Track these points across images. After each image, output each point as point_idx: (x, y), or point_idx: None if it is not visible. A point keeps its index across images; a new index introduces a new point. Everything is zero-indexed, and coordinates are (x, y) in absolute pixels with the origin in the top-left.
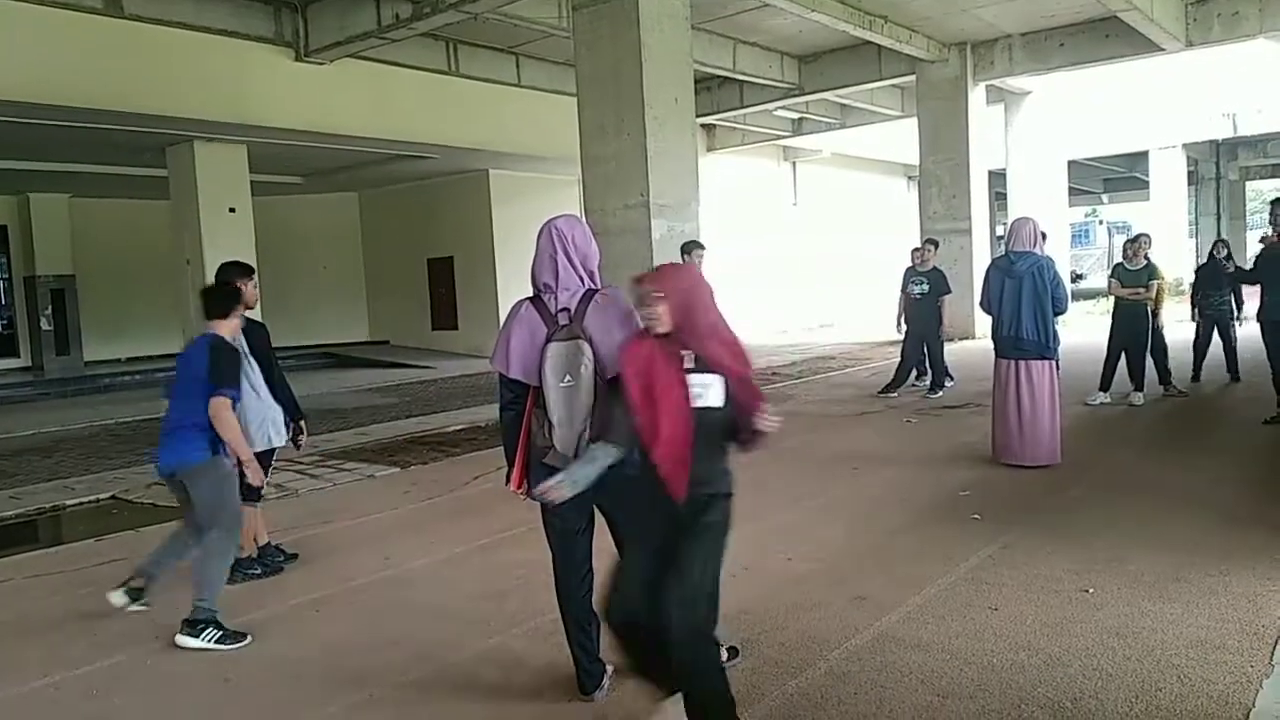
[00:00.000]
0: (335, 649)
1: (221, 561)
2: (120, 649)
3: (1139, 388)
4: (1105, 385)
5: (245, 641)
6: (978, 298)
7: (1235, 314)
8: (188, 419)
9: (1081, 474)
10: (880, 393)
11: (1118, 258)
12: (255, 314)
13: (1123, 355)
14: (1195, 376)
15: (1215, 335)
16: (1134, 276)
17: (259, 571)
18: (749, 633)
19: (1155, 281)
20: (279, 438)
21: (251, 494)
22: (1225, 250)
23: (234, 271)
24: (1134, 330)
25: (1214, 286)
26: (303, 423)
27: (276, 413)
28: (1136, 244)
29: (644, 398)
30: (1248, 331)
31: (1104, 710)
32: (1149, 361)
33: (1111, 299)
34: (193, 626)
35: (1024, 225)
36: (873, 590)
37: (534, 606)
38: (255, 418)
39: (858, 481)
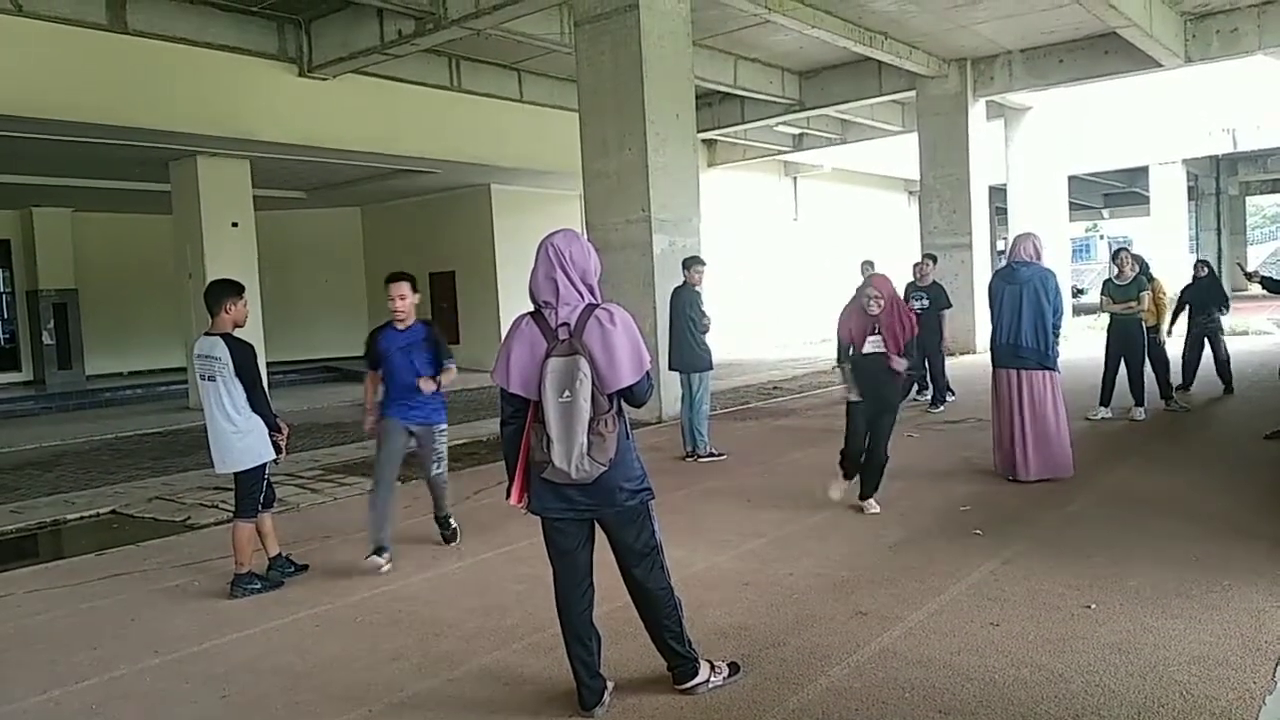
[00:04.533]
0: (334, 664)
1: None
2: (119, 664)
3: (1139, 402)
4: (1105, 400)
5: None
6: (979, 312)
7: (1221, 329)
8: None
9: (1083, 488)
10: None
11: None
12: (255, 329)
13: (1123, 369)
14: (1186, 385)
15: (1205, 349)
16: (1124, 291)
17: (259, 586)
18: (750, 648)
19: (1145, 293)
20: (268, 453)
21: (248, 508)
22: (1206, 269)
23: (224, 290)
24: (1129, 344)
25: (1200, 307)
26: (279, 440)
27: (262, 431)
28: (1119, 259)
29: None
30: (1249, 345)
31: None
32: (1150, 375)
33: (1107, 315)
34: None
35: (1025, 240)
36: (874, 605)
37: (534, 621)
38: (247, 436)
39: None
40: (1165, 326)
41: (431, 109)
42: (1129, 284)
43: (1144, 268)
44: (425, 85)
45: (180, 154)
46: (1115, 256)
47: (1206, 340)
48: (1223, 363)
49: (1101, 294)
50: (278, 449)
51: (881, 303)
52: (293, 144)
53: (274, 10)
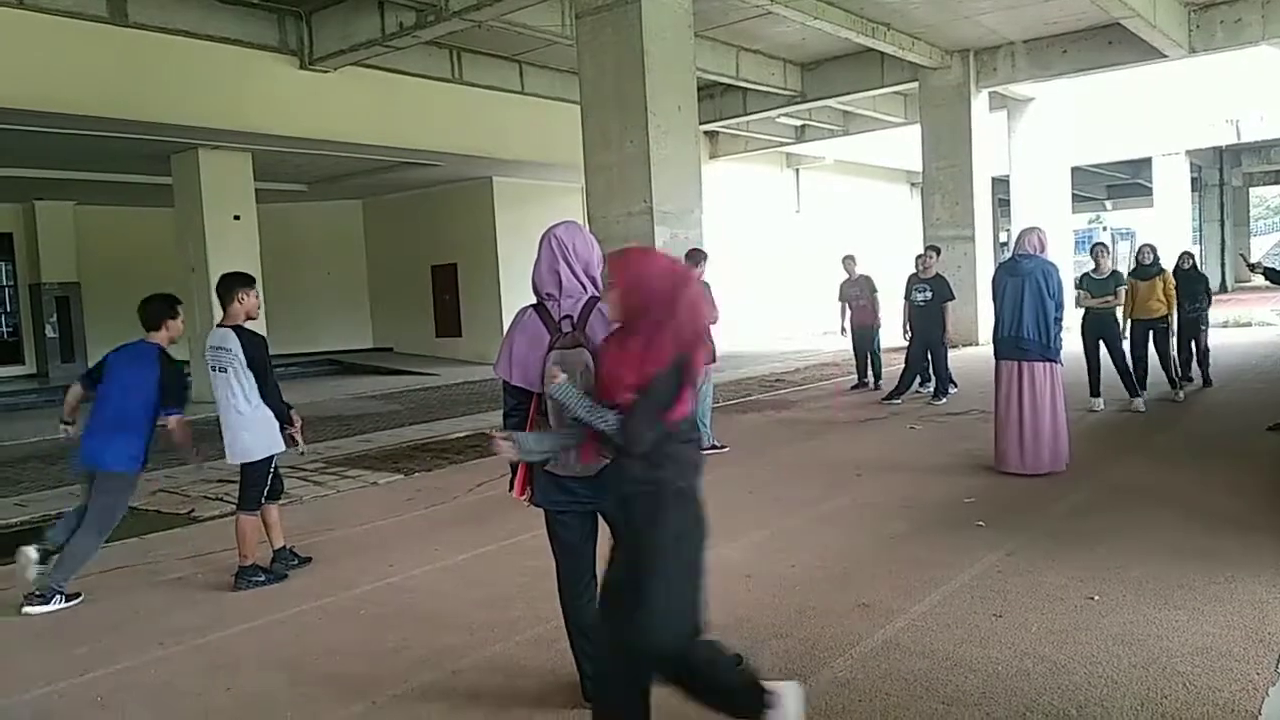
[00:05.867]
0: (338, 656)
1: None
2: (124, 656)
3: (1133, 394)
4: (1095, 390)
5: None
6: (982, 304)
7: (1206, 323)
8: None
9: (1085, 480)
10: (884, 399)
11: (1121, 264)
12: (258, 323)
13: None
14: (1141, 384)
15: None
16: (1102, 285)
17: (262, 579)
18: (752, 640)
19: (1123, 288)
20: (276, 446)
21: (251, 501)
22: (1190, 261)
23: (235, 281)
24: (1108, 337)
25: (1187, 297)
26: (294, 433)
27: (271, 424)
28: (1096, 253)
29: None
30: (1252, 337)
31: (1109, 718)
32: (1153, 368)
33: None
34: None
35: (1030, 233)
36: (876, 597)
37: (537, 614)
38: (255, 428)
39: (861, 488)
40: (1174, 317)
41: (433, 101)
42: (1106, 278)
43: (1156, 259)
44: (426, 77)
45: (182, 147)
46: (1093, 250)
47: (1189, 333)
48: (1202, 354)
49: (1078, 287)
50: (292, 440)
51: (616, 299)
52: (294, 137)
53: (275, 2)
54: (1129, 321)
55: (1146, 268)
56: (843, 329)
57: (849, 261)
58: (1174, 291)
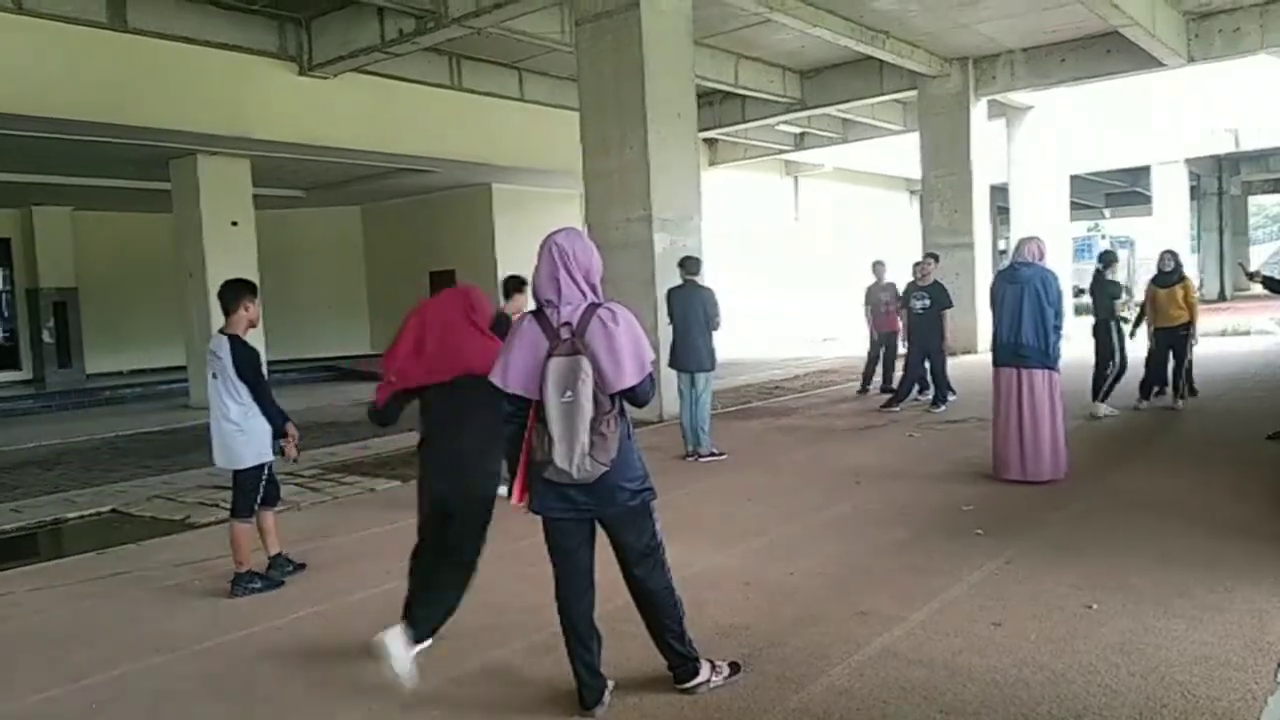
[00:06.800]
0: (335, 663)
1: None
2: (120, 662)
3: (1095, 398)
4: (1103, 396)
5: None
6: (980, 311)
7: (1192, 334)
8: None
9: (1084, 489)
10: (883, 407)
11: (1122, 272)
12: (258, 329)
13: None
14: (1147, 393)
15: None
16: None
17: (259, 585)
18: (750, 648)
19: (1118, 301)
20: (267, 454)
21: (243, 508)
22: (1173, 263)
23: (240, 290)
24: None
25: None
26: (285, 445)
27: (263, 431)
28: (1108, 260)
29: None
30: (1251, 345)
31: None
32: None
33: (1084, 316)
34: None
35: (1029, 242)
36: (875, 605)
37: (535, 621)
38: (246, 435)
39: (860, 495)
40: (1196, 327)
41: (432, 108)
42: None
43: (1178, 265)
44: (426, 84)
45: (180, 152)
46: (1108, 259)
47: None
48: (1180, 367)
49: (1112, 297)
50: (282, 452)
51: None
52: (293, 143)
53: (274, 9)
54: (1152, 329)
55: (1167, 275)
56: (871, 333)
57: (879, 267)
58: (1194, 299)
